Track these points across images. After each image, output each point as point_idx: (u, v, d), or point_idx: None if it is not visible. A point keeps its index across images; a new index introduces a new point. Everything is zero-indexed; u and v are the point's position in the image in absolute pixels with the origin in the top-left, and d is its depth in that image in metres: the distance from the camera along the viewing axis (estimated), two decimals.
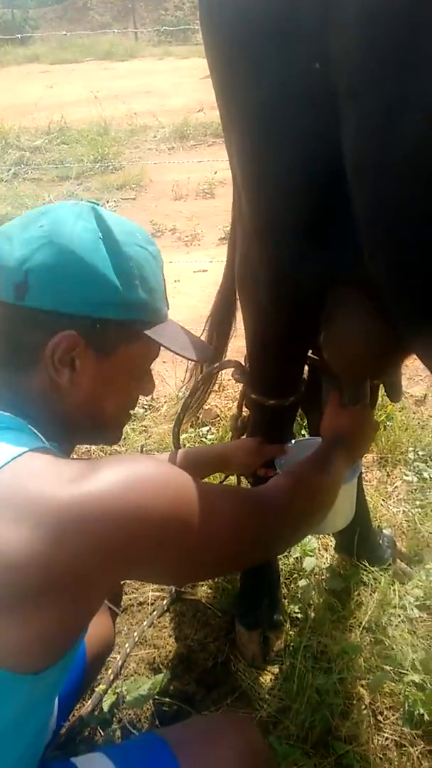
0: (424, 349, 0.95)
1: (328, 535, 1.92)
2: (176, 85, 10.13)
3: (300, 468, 1.12)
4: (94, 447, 2.22)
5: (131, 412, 1.03)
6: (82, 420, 0.92)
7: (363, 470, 2.17)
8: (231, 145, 1.11)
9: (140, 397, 1.03)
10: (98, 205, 0.91)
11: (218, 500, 0.88)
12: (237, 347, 1.78)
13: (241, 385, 1.49)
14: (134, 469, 0.79)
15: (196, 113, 7.77)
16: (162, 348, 0.94)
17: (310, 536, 1.86)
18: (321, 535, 1.91)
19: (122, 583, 1.57)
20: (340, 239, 0.90)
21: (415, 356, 1.31)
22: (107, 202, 5.48)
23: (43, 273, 0.82)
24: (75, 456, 1.19)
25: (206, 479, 1.40)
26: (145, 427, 2.55)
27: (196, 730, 1.02)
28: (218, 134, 6.81)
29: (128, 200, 5.60)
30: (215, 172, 5.49)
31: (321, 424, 1.31)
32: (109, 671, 1.55)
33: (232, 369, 1.47)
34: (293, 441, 1.48)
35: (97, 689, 1.50)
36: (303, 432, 2.18)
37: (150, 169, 5.96)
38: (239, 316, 1.49)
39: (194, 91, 8.94)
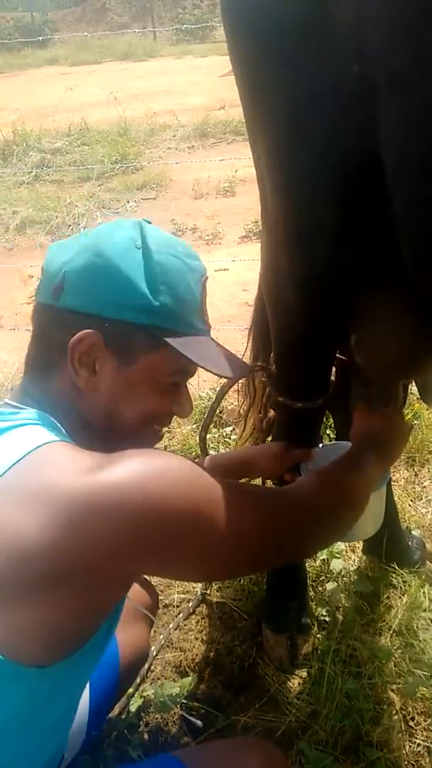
0: None
1: None
2: (195, 84, 10.10)
3: (329, 468, 1.08)
4: None
5: (162, 429, 1.01)
6: (101, 425, 0.91)
7: (391, 470, 2.13)
8: (257, 147, 1.08)
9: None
10: (149, 222, 0.93)
11: (240, 499, 0.86)
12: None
13: (267, 386, 1.47)
14: (153, 463, 0.79)
15: (216, 111, 7.75)
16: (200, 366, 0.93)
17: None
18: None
19: (152, 583, 1.56)
20: (374, 240, 0.87)
21: None
22: (128, 202, 5.49)
23: (77, 274, 0.86)
24: None
25: None
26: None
27: (216, 755, 1.01)
28: (238, 132, 6.78)
29: (149, 200, 5.60)
30: (236, 170, 5.45)
31: (351, 430, 1.28)
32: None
33: (258, 372, 1.45)
34: (320, 445, 1.46)
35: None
36: (328, 432, 2.16)
37: (170, 168, 5.95)
38: None
39: (214, 89, 8.91)
